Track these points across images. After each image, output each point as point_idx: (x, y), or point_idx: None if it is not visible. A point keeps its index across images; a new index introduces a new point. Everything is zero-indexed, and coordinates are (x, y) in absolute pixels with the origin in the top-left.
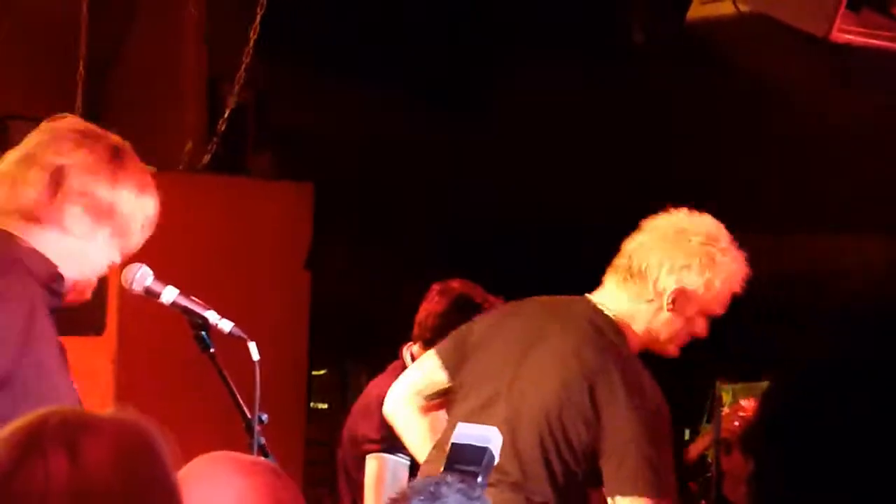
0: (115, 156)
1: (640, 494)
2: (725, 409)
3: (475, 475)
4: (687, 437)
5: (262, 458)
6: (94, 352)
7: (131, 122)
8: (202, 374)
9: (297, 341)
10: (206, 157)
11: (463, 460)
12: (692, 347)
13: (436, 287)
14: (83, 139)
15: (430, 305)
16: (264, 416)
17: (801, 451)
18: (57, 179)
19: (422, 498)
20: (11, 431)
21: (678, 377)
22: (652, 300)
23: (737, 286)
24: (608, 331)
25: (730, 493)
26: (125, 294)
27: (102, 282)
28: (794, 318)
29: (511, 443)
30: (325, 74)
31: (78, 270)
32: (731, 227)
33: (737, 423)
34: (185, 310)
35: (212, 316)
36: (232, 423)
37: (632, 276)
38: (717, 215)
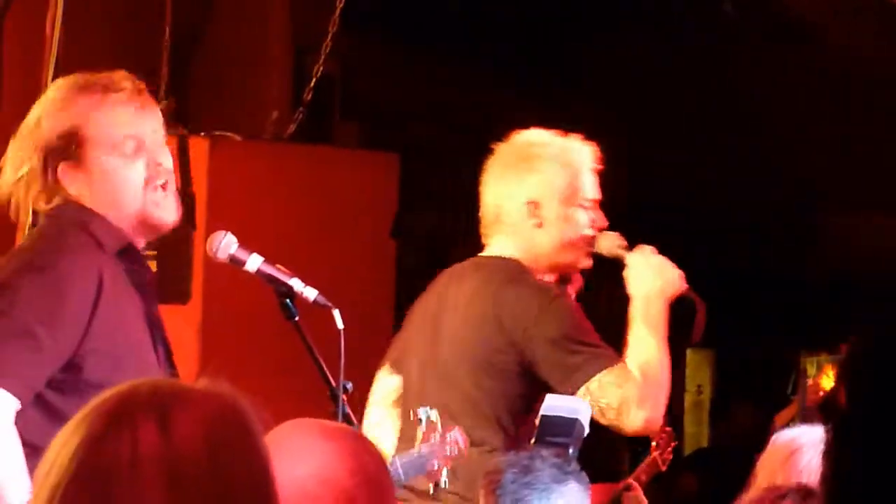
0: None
1: (603, 367)
2: (810, 381)
3: (566, 447)
4: (772, 410)
5: (346, 425)
6: (179, 320)
7: (217, 92)
8: (287, 343)
9: (382, 310)
10: (292, 127)
11: (553, 432)
12: (776, 319)
13: None
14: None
15: None
16: (349, 385)
17: (880, 419)
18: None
19: (515, 471)
20: (102, 400)
21: (764, 350)
22: (515, 231)
23: (586, 165)
24: (488, 266)
25: None
26: (210, 262)
27: (188, 250)
28: (882, 292)
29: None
30: (412, 44)
31: (113, 211)
32: (812, 201)
33: (821, 394)
34: (270, 278)
35: (296, 284)
36: (316, 392)
37: (490, 226)
38: (803, 190)
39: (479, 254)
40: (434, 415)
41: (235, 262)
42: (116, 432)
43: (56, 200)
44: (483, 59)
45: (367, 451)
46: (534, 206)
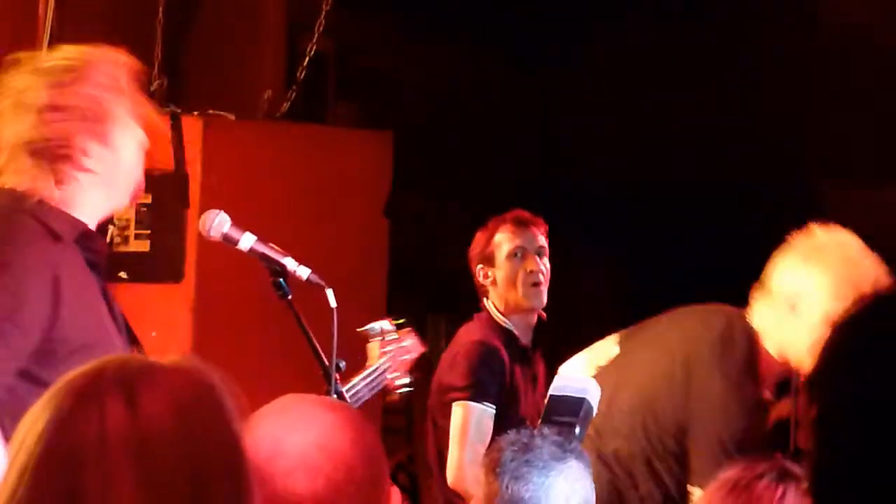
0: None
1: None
2: None
3: (572, 426)
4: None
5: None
6: (172, 299)
7: (211, 71)
8: (280, 322)
9: (376, 289)
10: (285, 106)
11: (560, 412)
12: None
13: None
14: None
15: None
16: (342, 364)
17: (865, 392)
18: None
19: (515, 448)
20: (69, 379)
21: None
22: (791, 322)
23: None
24: (739, 335)
25: (803, 443)
26: (203, 241)
27: (181, 229)
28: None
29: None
30: (405, 22)
31: (118, 190)
32: (822, 182)
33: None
34: (263, 256)
35: (290, 263)
36: (309, 370)
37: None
38: (809, 170)
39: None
40: (386, 325)
41: (228, 241)
42: (83, 411)
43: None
44: (480, 37)
45: (364, 423)
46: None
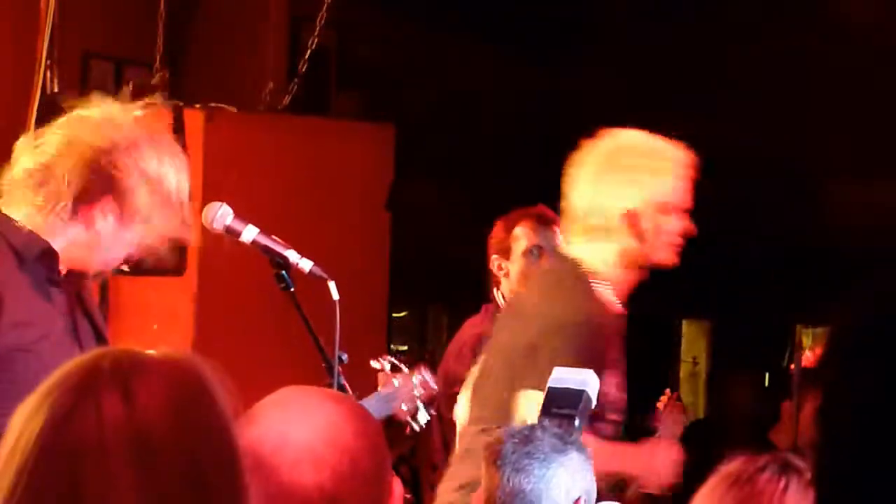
0: (154, 155)
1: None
2: (806, 353)
3: (572, 418)
4: (767, 381)
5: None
6: (174, 292)
7: (212, 62)
8: (282, 314)
9: (378, 282)
10: (287, 99)
11: (559, 404)
12: (772, 291)
13: (500, 224)
14: (129, 146)
15: (498, 239)
16: (344, 356)
17: (871, 383)
18: (98, 188)
19: (516, 441)
20: (64, 375)
21: (760, 321)
22: (609, 233)
23: (687, 177)
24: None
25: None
26: (206, 233)
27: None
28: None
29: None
30: (407, 14)
31: (99, 259)
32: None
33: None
34: (266, 249)
35: (292, 255)
36: (311, 362)
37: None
38: (802, 158)
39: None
40: (396, 362)
41: (231, 233)
42: (81, 408)
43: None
44: (482, 29)
45: (367, 415)
46: (632, 216)
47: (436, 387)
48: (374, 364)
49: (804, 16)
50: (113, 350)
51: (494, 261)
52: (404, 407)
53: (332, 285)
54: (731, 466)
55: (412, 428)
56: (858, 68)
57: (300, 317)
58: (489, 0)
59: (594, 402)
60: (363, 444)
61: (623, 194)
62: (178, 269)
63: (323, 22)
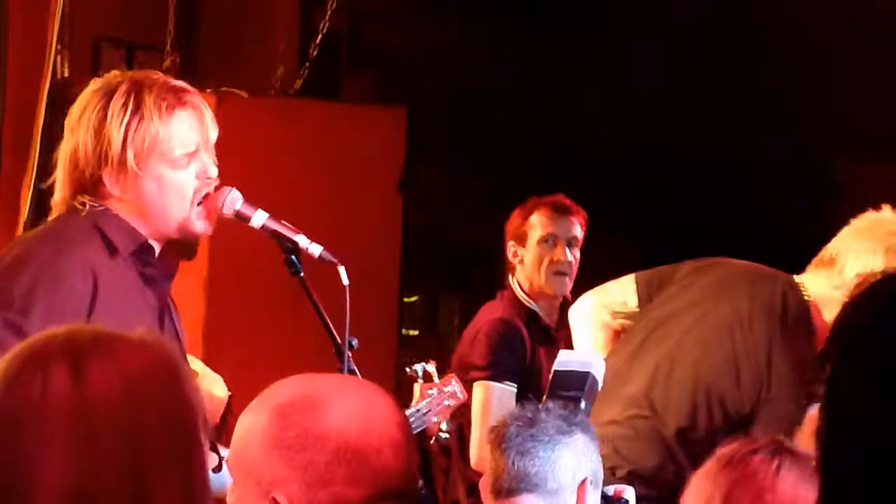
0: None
1: None
2: None
3: (577, 400)
4: None
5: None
6: (184, 277)
7: (223, 46)
8: (292, 299)
9: (389, 266)
10: (299, 82)
11: (565, 386)
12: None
13: (517, 212)
14: (127, 99)
15: (514, 225)
16: (354, 341)
17: (878, 360)
18: (75, 162)
19: (520, 424)
20: (18, 348)
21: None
22: (839, 287)
23: None
24: (794, 310)
25: None
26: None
27: None
28: None
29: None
30: None
31: (160, 215)
32: (828, 156)
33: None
34: (275, 233)
35: (302, 240)
36: (322, 347)
37: (822, 263)
38: (816, 144)
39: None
40: (431, 368)
41: (241, 218)
42: (28, 377)
43: (82, 198)
44: (494, 11)
45: (403, 417)
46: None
47: (464, 397)
48: (408, 372)
49: None
50: (75, 327)
51: (510, 248)
52: (435, 419)
53: (342, 270)
54: (725, 449)
55: (439, 440)
56: (879, 52)
57: (310, 302)
58: None
59: (600, 384)
60: (408, 431)
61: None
62: (188, 254)
63: (334, 5)
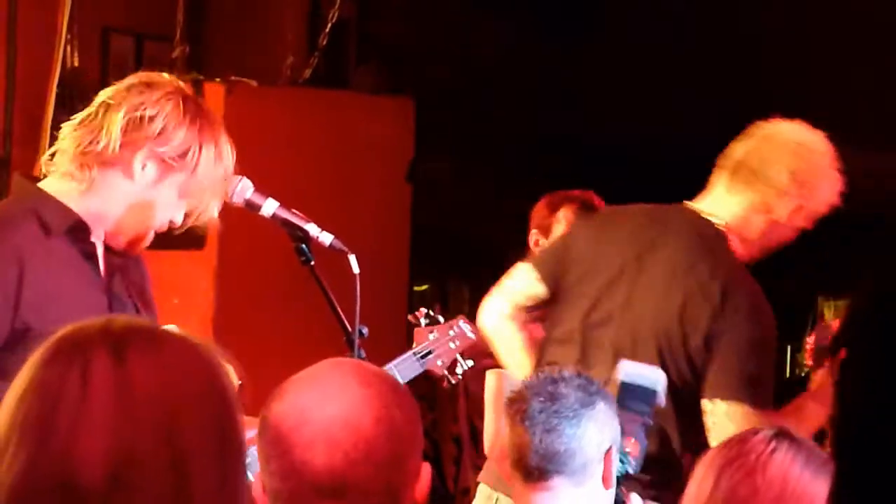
0: (198, 114)
1: (741, 401)
2: (827, 323)
3: (646, 415)
4: (789, 353)
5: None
6: (194, 266)
7: (232, 36)
8: (302, 288)
9: (398, 255)
10: (308, 72)
11: (633, 399)
12: (794, 263)
13: (543, 202)
14: (168, 94)
15: (540, 220)
16: (364, 330)
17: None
18: (134, 127)
19: (542, 399)
20: (63, 333)
21: (779, 293)
22: (769, 210)
23: (836, 200)
24: (718, 244)
25: None
26: (225, 207)
27: None
28: None
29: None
30: None
31: (135, 219)
32: (833, 141)
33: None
34: (286, 222)
35: (312, 229)
36: (332, 337)
37: (746, 180)
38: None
39: (697, 201)
40: (438, 317)
41: (251, 207)
42: (70, 362)
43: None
44: (501, 2)
45: (398, 403)
46: (800, 209)
47: (474, 336)
48: (411, 319)
49: None
50: (115, 317)
51: (533, 236)
52: (440, 362)
53: (352, 259)
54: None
55: (449, 381)
56: (888, 42)
57: (320, 290)
58: None
59: (663, 402)
60: (383, 430)
61: (809, 188)
62: (198, 244)
63: None
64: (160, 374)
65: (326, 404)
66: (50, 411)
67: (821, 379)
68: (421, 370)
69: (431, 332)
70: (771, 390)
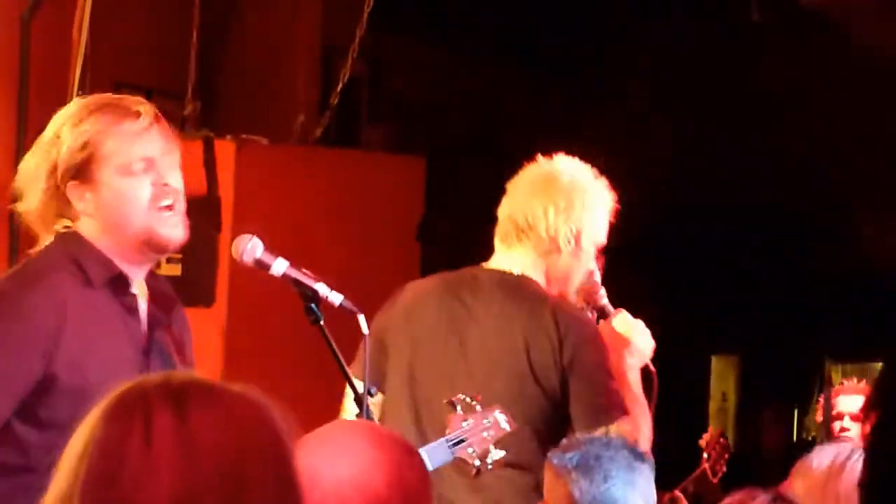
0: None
1: (624, 414)
2: (835, 388)
3: None
4: (796, 416)
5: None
6: (203, 323)
7: (243, 94)
8: (312, 347)
9: None
10: (319, 130)
11: None
12: (801, 326)
13: None
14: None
15: None
16: (373, 389)
17: None
18: (53, 174)
19: (588, 465)
20: (121, 391)
21: (789, 357)
22: (549, 250)
23: (611, 212)
24: (525, 286)
25: None
26: (236, 265)
27: (213, 253)
28: None
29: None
30: (440, 47)
31: (120, 227)
32: (840, 205)
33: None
34: (296, 281)
35: (322, 288)
36: (341, 396)
37: (521, 232)
38: (823, 192)
39: (491, 262)
40: (468, 399)
41: (261, 266)
42: (132, 418)
43: (61, 223)
44: (512, 61)
45: (410, 466)
46: (578, 236)
47: (509, 427)
48: (446, 403)
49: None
50: (174, 373)
51: None
52: (471, 450)
53: (361, 319)
54: (729, 498)
55: (478, 471)
56: (889, 101)
57: (329, 349)
58: (521, 33)
59: None
60: (395, 494)
61: (576, 212)
62: (207, 301)
63: (355, 54)
64: (221, 427)
65: (338, 465)
66: (114, 468)
67: None
68: (451, 458)
69: (465, 419)
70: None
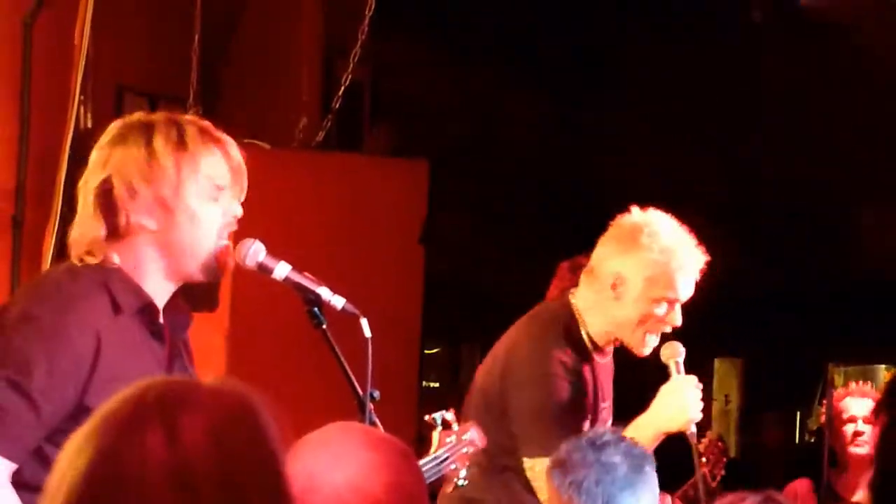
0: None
1: (543, 454)
2: (837, 391)
3: None
4: (798, 419)
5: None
6: (206, 328)
7: (245, 98)
8: (314, 351)
9: (410, 318)
10: (321, 134)
11: None
12: (804, 329)
13: (566, 265)
14: (120, 139)
15: (563, 283)
16: (376, 393)
17: None
18: (108, 194)
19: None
20: (110, 410)
21: (792, 359)
22: (602, 290)
23: (690, 273)
24: (554, 316)
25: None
26: (238, 270)
27: None
28: None
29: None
30: (441, 50)
31: (190, 249)
32: (840, 208)
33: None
34: (298, 286)
35: (324, 292)
36: (344, 400)
37: (587, 273)
38: (824, 194)
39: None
40: (449, 416)
41: (263, 270)
42: (125, 445)
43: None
44: (514, 63)
45: (407, 469)
46: (620, 279)
47: (483, 444)
48: (428, 420)
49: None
50: (159, 382)
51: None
52: (453, 467)
53: (364, 322)
54: (720, 501)
55: (457, 486)
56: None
57: (332, 353)
58: (522, 35)
59: None
60: (392, 498)
61: (621, 259)
62: (210, 306)
63: (356, 58)
64: (211, 441)
65: (336, 469)
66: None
67: None
68: (439, 475)
69: (449, 436)
70: (572, 417)
